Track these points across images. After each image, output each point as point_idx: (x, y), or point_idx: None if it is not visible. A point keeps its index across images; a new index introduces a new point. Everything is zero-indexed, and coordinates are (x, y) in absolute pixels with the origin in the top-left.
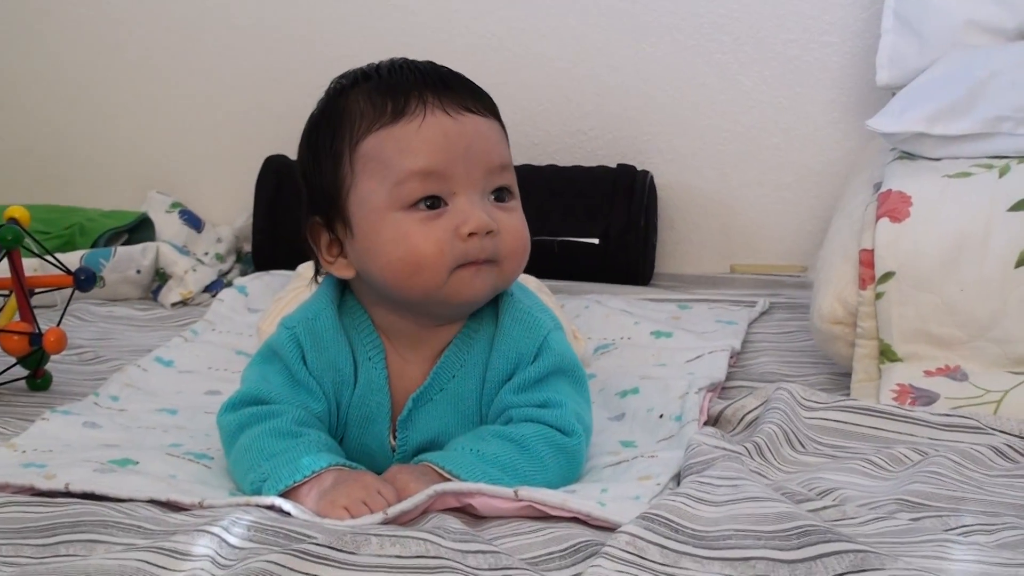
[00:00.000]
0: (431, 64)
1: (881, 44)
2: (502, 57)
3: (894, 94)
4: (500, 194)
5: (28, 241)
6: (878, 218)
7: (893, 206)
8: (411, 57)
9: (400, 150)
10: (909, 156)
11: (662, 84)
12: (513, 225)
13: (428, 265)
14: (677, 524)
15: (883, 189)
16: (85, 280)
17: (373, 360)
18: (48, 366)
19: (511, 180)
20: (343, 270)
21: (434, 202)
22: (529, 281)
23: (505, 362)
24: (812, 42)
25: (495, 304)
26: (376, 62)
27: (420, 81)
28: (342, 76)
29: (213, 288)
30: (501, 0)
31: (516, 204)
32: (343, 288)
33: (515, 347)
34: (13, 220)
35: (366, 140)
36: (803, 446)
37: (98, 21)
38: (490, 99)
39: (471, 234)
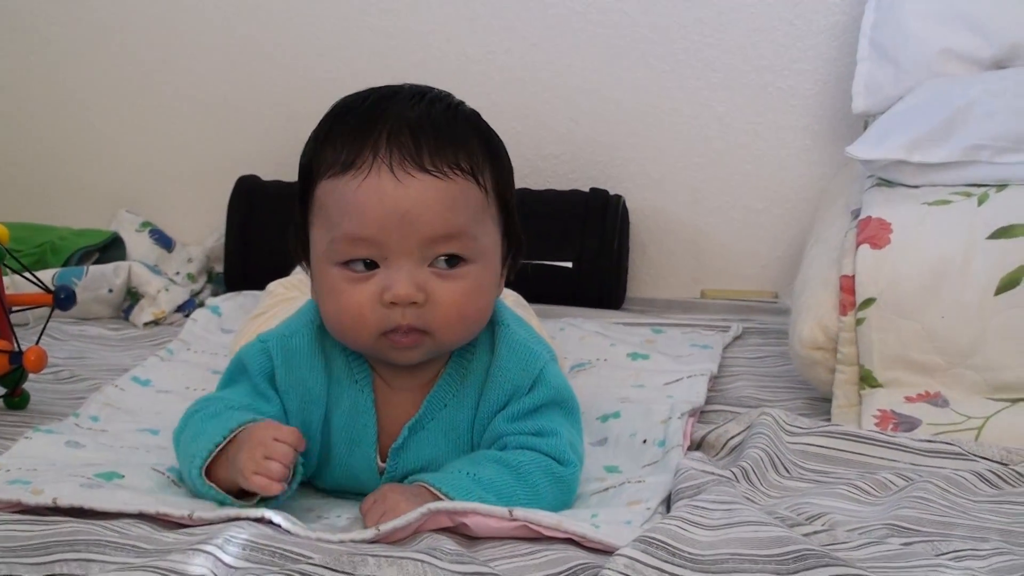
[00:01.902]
0: (421, 101)
1: (857, 72)
2: (476, 80)
3: (867, 122)
4: (446, 260)
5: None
6: (858, 245)
7: (873, 233)
8: (387, 80)
9: (339, 207)
10: (887, 183)
11: (635, 109)
12: (448, 297)
13: (351, 327)
14: (674, 548)
15: (863, 216)
16: (65, 299)
17: (360, 384)
18: (24, 385)
19: (460, 248)
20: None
21: (367, 263)
22: (507, 296)
23: (500, 393)
24: (785, 68)
25: (490, 333)
26: (372, 90)
27: (386, 129)
28: (345, 98)
29: (185, 308)
30: (476, 24)
31: (466, 271)
32: None
33: (510, 378)
34: None
35: (320, 184)
36: (788, 471)
37: (70, 40)
38: (475, 150)
39: (393, 303)
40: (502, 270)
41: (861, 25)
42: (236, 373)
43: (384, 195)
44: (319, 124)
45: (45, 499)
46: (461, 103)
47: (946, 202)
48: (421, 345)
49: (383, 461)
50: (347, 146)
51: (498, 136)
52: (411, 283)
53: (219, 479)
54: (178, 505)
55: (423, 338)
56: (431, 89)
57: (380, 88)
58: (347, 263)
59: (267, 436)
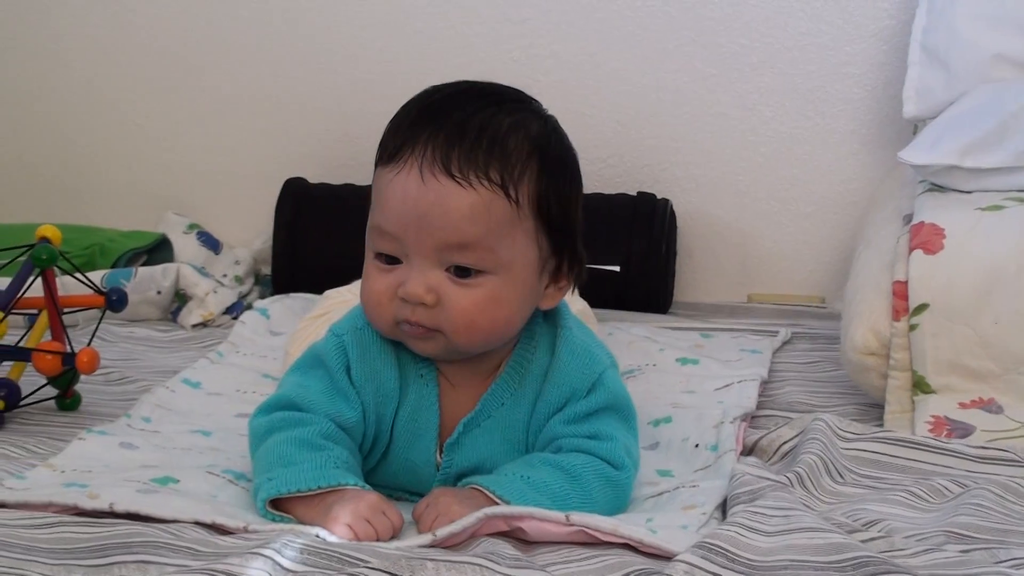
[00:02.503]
0: (486, 105)
1: (908, 77)
2: (521, 84)
3: (917, 127)
4: (463, 270)
5: (60, 260)
6: (911, 250)
7: (926, 238)
8: (432, 83)
9: (377, 196)
10: (939, 188)
11: (682, 113)
12: (460, 304)
13: (373, 311)
14: (733, 554)
15: (915, 221)
16: (117, 300)
17: (425, 378)
18: (76, 386)
19: (475, 259)
20: None
21: (389, 259)
22: (573, 305)
23: (558, 395)
24: (833, 73)
25: (552, 335)
26: (458, 82)
27: (430, 128)
28: (432, 86)
29: (233, 310)
30: (521, 27)
31: (483, 281)
32: None
33: (569, 381)
34: (45, 239)
35: (376, 170)
36: (842, 477)
37: (117, 41)
38: (513, 162)
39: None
40: (545, 284)
41: (912, 29)
42: (311, 365)
43: (407, 194)
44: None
45: (102, 504)
46: (535, 113)
47: (999, 207)
48: (433, 339)
49: (440, 457)
50: (398, 137)
51: (568, 155)
52: (422, 284)
53: (287, 507)
54: (233, 516)
55: (435, 334)
56: (513, 94)
57: (463, 83)
58: (377, 254)
59: (378, 508)
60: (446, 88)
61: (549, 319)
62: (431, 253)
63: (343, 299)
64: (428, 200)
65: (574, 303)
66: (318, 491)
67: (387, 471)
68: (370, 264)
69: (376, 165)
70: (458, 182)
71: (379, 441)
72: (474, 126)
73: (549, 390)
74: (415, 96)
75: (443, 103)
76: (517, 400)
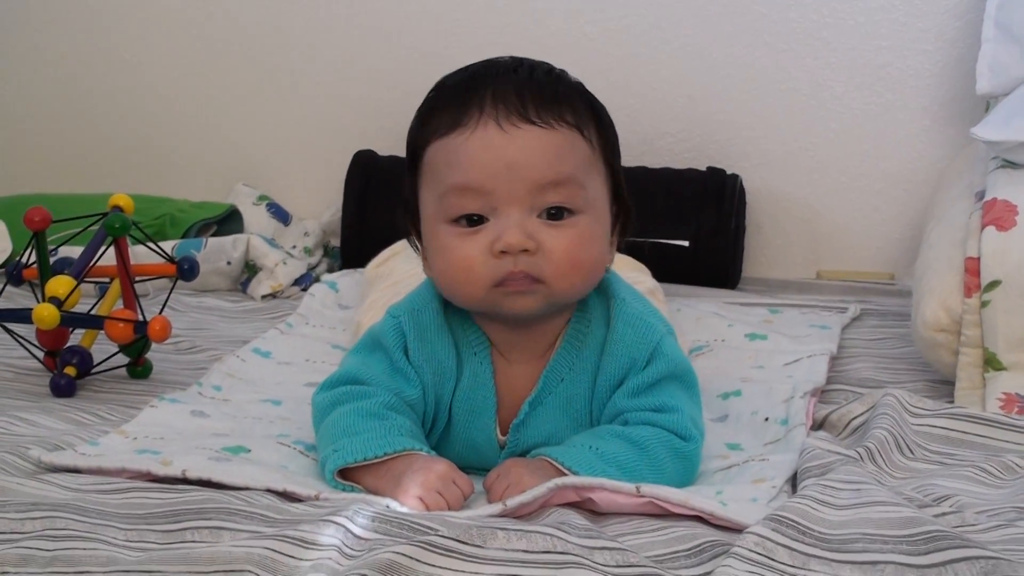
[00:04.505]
0: (522, 66)
1: (981, 53)
2: (594, 58)
3: (989, 103)
4: (555, 211)
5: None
6: (983, 227)
7: (999, 215)
8: (505, 54)
9: (447, 163)
10: (1012, 165)
11: (752, 88)
12: (560, 245)
13: (461, 281)
14: (804, 526)
15: (988, 198)
16: (188, 269)
17: (479, 356)
18: (147, 355)
19: (568, 197)
20: (427, 271)
21: (475, 218)
22: (642, 284)
23: (617, 367)
24: (905, 49)
25: (606, 307)
26: (470, 64)
27: (492, 88)
28: (445, 75)
29: (302, 282)
30: (594, 2)
31: (575, 221)
32: None
33: (627, 352)
34: (118, 208)
35: (429, 148)
36: (912, 452)
37: (191, 15)
38: (579, 107)
39: (504, 252)
40: (612, 234)
41: (986, 6)
42: (371, 348)
43: (491, 145)
44: (424, 99)
45: (175, 471)
46: (564, 71)
47: None
48: (535, 292)
49: (503, 434)
50: (453, 108)
51: (603, 105)
52: (521, 231)
53: (355, 477)
54: (305, 484)
55: (536, 285)
56: (531, 59)
57: (480, 62)
58: (456, 220)
59: (448, 476)
60: (473, 65)
61: (601, 290)
62: (524, 198)
63: (412, 271)
64: (516, 146)
65: (645, 282)
66: (384, 458)
67: (450, 451)
68: (447, 235)
69: (426, 145)
70: (540, 126)
71: (439, 420)
72: (531, 82)
73: (608, 363)
74: (442, 80)
75: (482, 72)
76: (576, 375)
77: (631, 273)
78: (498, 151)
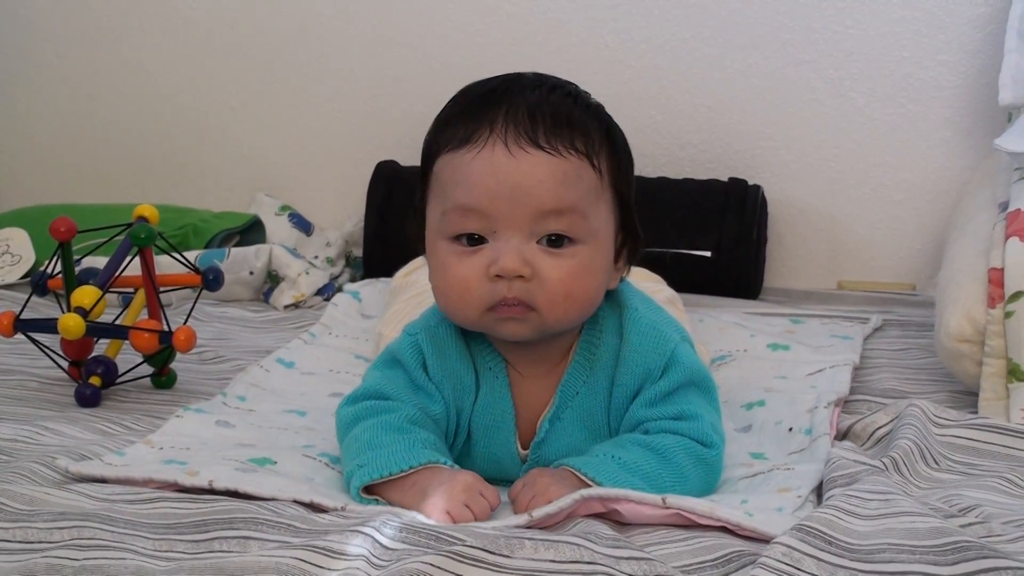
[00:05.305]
0: (542, 86)
1: (1004, 64)
2: (615, 68)
3: (1011, 115)
4: (556, 239)
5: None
6: (1007, 237)
7: (1022, 225)
8: (524, 67)
9: (453, 180)
10: None
11: (774, 98)
12: (556, 274)
13: (457, 302)
14: (831, 537)
15: (1011, 208)
16: (213, 280)
17: (495, 371)
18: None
19: (569, 226)
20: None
21: (475, 238)
22: (662, 294)
23: (632, 377)
24: (927, 60)
25: (618, 317)
26: (494, 76)
27: (507, 106)
28: (469, 84)
29: (325, 292)
30: (615, 11)
31: (575, 251)
32: None
33: (642, 362)
34: (143, 218)
35: (439, 159)
36: (937, 463)
37: (212, 25)
38: (592, 134)
39: (499, 276)
40: (616, 261)
41: (1008, 17)
42: (389, 366)
43: (497, 168)
44: (443, 108)
45: (201, 481)
46: (585, 93)
47: None
48: (527, 320)
49: (524, 449)
50: (466, 123)
51: (621, 131)
52: (518, 256)
53: (381, 491)
54: (331, 496)
55: (529, 312)
56: (554, 77)
57: (503, 75)
58: (456, 238)
59: (475, 489)
60: (496, 78)
61: (612, 301)
62: (524, 224)
63: (408, 282)
64: (521, 171)
65: (662, 291)
66: (410, 471)
67: (472, 465)
68: (447, 252)
69: (437, 156)
70: (548, 152)
71: (459, 435)
72: (546, 104)
73: (622, 374)
74: (463, 89)
75: (505, 86)
76: (591, 387)
77: (646, 283)
78: (503, 175)
